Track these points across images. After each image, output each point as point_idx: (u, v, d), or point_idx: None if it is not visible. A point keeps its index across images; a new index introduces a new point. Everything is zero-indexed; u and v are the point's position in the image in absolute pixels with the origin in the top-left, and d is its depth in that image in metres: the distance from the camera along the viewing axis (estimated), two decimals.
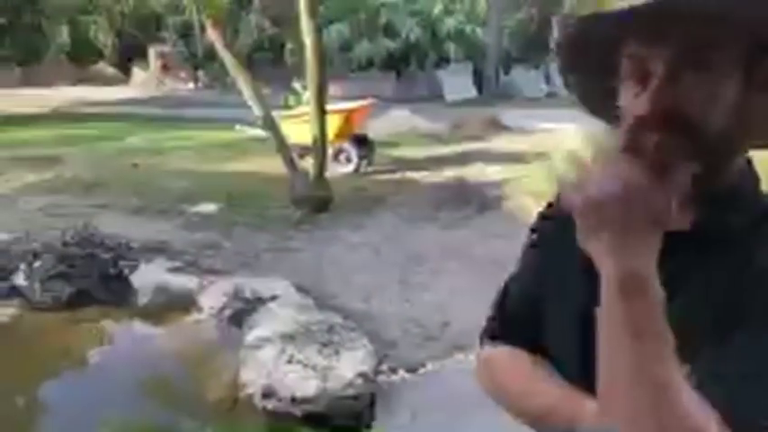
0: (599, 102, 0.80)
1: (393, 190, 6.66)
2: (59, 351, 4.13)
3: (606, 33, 0.71)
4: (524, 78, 19.09)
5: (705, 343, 0.70)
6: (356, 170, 7.48)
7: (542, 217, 0.95)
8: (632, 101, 0.70)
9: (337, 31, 18.30)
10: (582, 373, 0.74)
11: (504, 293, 0.95)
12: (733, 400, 0.66)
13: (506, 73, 20.14)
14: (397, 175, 7.55)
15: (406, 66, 19.45)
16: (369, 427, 3.06)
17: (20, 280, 4.44)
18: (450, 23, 18.78)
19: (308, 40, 5.37)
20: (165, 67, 22.16)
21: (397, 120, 11.85)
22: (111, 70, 22.50)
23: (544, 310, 0.86)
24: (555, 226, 0.88)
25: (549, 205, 0.95)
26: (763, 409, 0.66)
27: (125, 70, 22.40)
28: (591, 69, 0.78)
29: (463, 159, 8.53)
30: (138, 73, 22.34)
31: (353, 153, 7.45)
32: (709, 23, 0.64)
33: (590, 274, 0.80)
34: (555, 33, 0.77)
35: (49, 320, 4.27)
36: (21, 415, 3.55)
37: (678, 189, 0.64)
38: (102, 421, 3.35)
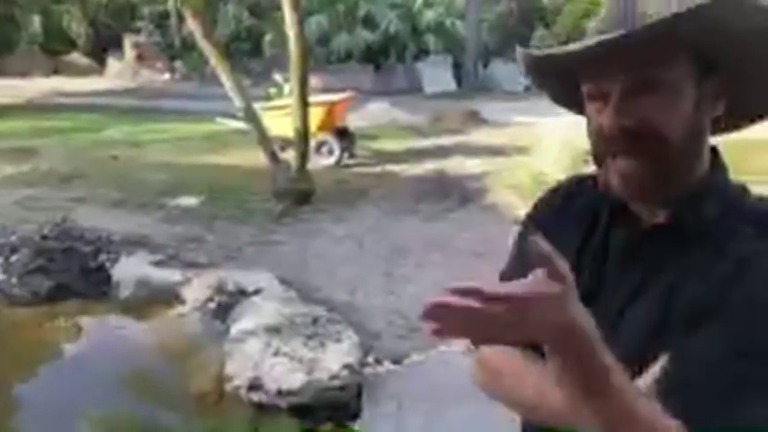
0: (569, 104, 0.91)
1: (374, 183, 6.70)
2: (38, 346, 4.09)
3: (560, 67, 0.80)
4: (503, 72, 19.17)
5: (679, 335, 0.75)
6: (338, 163, 7.48)
7: (529, 215, 1.00)
8: (596, 116, 0.78)
9: (317, 22, 18.18)
10: None
11: (504, 272, 0.98)
12: (694, 406, 0.70)
13: (485, 66, 20.23)
14: (378, 168, 7.58)
15: (386, 58, 19.43)
16: (355, 417, 3.10)
17: None
18: (429, 16, 18.78)
19: (290, 32, 5.35)
20: (141, 58, 21.75)
21: (377, 112, 11.85)
22: (85, 61, 21.99)
23: None
24: (540, 223, 0.93)
25: (535, 206, 1.00)
26: (722, 413, 0.70)
27: (100, 61, 21.95)
28: (555, 89, 0.89)
29: (443, 152, 8.59)
30: (112, 63, 21.89)
31: (335, 145, 7.45)
32: (651, 49, 0.72)
33: (586, 261, 0.86)
34: (519, 65, 0.86)
35: (27, 315, 4.21)
36: (1, 411, 3.51)
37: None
38: (82, 415, 3.33)
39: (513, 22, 21.34)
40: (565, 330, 0.64)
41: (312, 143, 7.20)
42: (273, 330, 3.50)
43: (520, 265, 0.93)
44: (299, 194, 5.85)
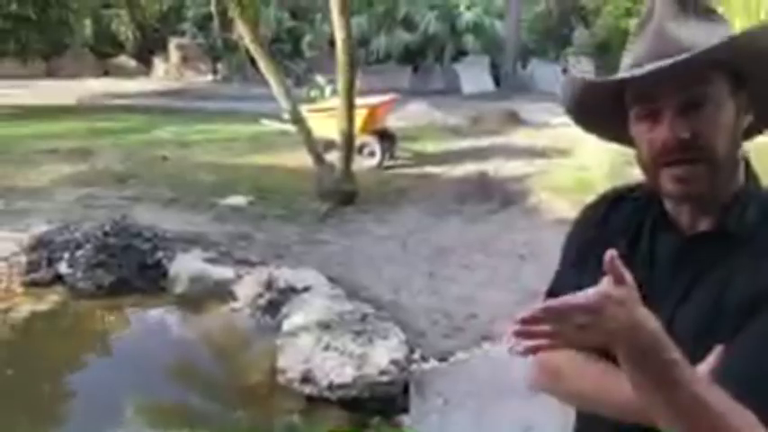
0: (604, 131, 1.02)
1: (416, 184, 6.79)
2: (100, 336, 4.33)
3: (608, 93, 0.91)
4: (542, 72, 19.01)
5: (732, 329, 0.82)
6: (379, 164, 7.61)
7: (575, 226, 1.08)
8: (647, 133, 0.88)
9: (356, 24, 18.33)
10: None
11: (555, 282, 1.06)
12: (755, 391, 0.77)
13: (524, 66, 20.10)
14: (420, 169, 7.67)
15: (424, 59, 19.48)
16: (405, 410, 3.20)
17: (63, 268, 4.63)
18: (468, 16, 18.76)
19: (338, 36, 5.49)
20: (185, 59, 22.36)
21: (416, 113, 11.93)
22: (132, 63, 22.75)
23: None
24: (586, 234, 1.03)
25: (579, 218, 1.08)
26: None
27: (146, 63, 22.67)
28: (596, 120, 0.99)
29: (483, 154, 8.62)
30: (158, 65, 22.58)
31: (377, 147, 7.57)
32: (697, 71, 0.83)
33: (634, 269, 0.95)
34: (565, 95, 0.97)
35: (90, 307, 4.46)
36: (63, 397, 3.75)
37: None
38: (138, 405, 3.53)
39: (552, 22, 21.11)
40: (636, 329, 0.73)
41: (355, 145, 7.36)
42: (324, 326, 3.63)
43: (573, 269, 1.02)
44: (344, 195, 5.99)
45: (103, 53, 22.20)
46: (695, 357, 0.82)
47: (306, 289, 4.25)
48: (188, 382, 3.88)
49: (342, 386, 3.27)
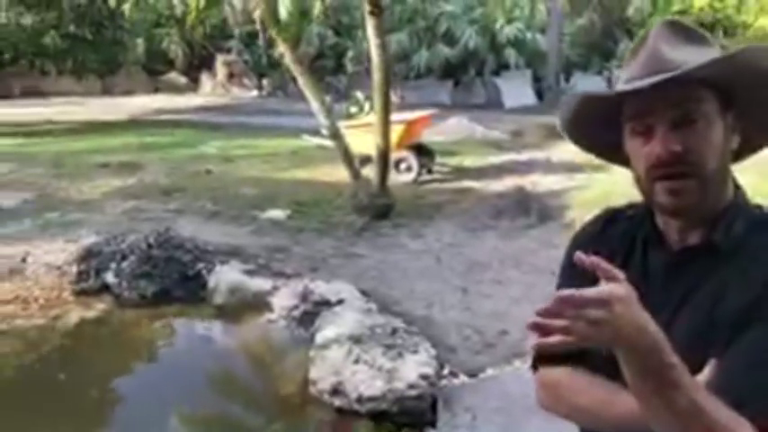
0: (598, 148, 1.06)
1: (452, 198, 6.81)
2: (143, 344, 4.50)
3: (605, 109, 0.95)
4: (585, 85, 18.74)
5: (725, 341, 0.85)
6: (416, 179, 7.66)
7: (576, 239, 1.11)
8: (641, 148, 0.92)
9: (397, 41, 18.56)
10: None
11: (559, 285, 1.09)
12: (750, 400, 0.80)
13: (567, 80, 19.88)
14: (457, 184, 7.68)
15: (465, 73, 19.50)
16: (432, 425, 3.21)
17: (110, 278, 4.85)
18: (508, 31, 18.72)
19: (374, 55, 5.60)
20: (231, 75, 23.05)
21: (456, 127, 11.95)
22: (181, 79, 23.61)
23: None
24: (586, 247, 1.03)
25: (575, 237, 1.11)
26: None
27: (194, 79, 23.47)
28: (592, 136, 1.03)
29: (523, 168, 8.58)
30: (206, 81, 23.35)
31: (414, 162, 7.63)
32: (690, 88, 0.87)
33: (628, 277, 0.97)
34: (564, 110, 1.01)
35: (134, 316, 4.65)
36: (107, 401, 3.90)
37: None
38: (179, 412, 3.65)
39: (595, 34, 20.84)
40: (640, 329, 0.75)
41: (391, 160, 7.44)
42: (355, 339, 3.68)
43: (570, 287, 1.06)
44: (379, 209, 6.06)
45: (155, 70, 23.13)
46: (691, 371, 0.83)
47: (339, 302, 4.31)
48: (225, 390, 4.00)
49: (371, 399, 3.30)
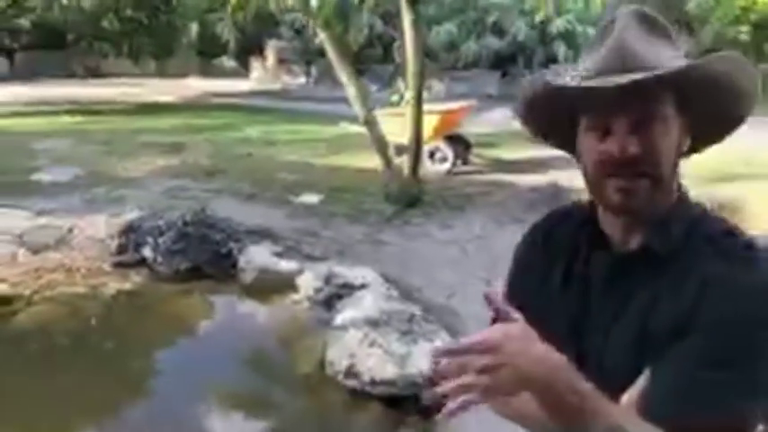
0: (550, 136, 1.03)
1: (485, 190, 6.79)
2: (175, 318, 4.71)
3: (563, 101, 0.92)
4: None
5: (658, 353, 0.84)
6: (450, 170, 7.65)
7: (523, 242, 1.10)
8: (596, 143, 0.90)
9: (446, 31, 18.44)
10: None
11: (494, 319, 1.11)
12: (678, 412, 0.81)
13: None
14: (491, 176, 7.64)
15: (513, 65, 19.22)
16: (440, 409, 3.26)
17: (147, 252, 5.08)
18: (559, 23, 18.31)
19: (408, 48, 5.63)
20: (281, 62, 23.41)
21: (499, 120, 11.83)
22: (232, 64, 24.15)
23: (534, 320, 0.97)
24: (533, 247, 1.06)
25: (521, 242, 1.10)
26: (712, 417, 0.79)
27: (245, 64, 23.94)
28: (546, 125, 1.01)
29: (560, 163, 8.40)
30: (256, 67, 23.80)
31: (449, 152, 7.62)
32: (652, 90, 0.86)
33: (572, 287, 0.97)
34: (522, 97, 0.98)
35: (167, 290, 4.86)
36: (139, 368, 4.11)
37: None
38: (204, 383, 3.82)
39: None
40: (542, 362, 0.74)
41: (426, 150, 7.45)
42: (372, 323, 3.77)
43: (515, 292, 1.06)
44: (410, 198, 6.11)
45: (207, 54, 23.69)
46: (626, 378, 0.86)
47: (362, 286, 4.40)
48: (247, 364, 4.15)
49: (383, 382, 3.38)
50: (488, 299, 0.78)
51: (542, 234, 1.06)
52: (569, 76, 0.94)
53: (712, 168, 6.73)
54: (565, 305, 0.96)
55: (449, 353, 0.73)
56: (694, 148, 0.96)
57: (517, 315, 0.78)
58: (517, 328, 0.76)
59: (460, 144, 7.83)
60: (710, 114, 0.93)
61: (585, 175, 0.93)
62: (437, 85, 17.48)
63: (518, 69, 19.31)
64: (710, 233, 0.89)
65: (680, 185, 0.93)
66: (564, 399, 0.74)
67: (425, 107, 6.80)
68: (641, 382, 0.85)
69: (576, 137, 0.95)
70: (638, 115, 0.86)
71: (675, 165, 0.90)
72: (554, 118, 0.97)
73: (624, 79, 0.83)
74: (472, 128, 8.89)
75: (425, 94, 10.59)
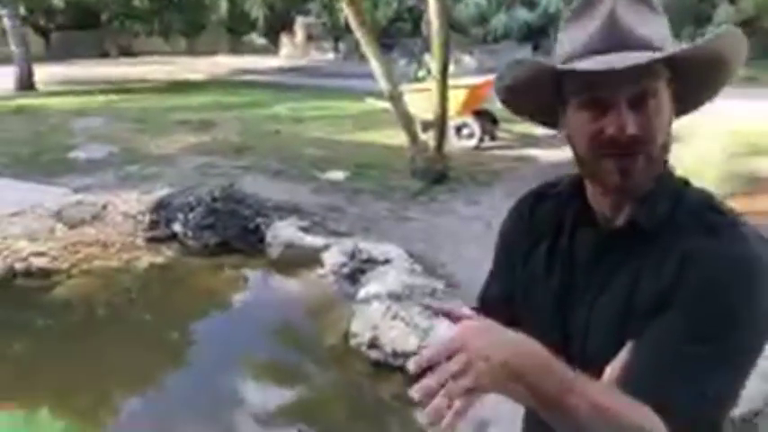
0: (535, 114, 1.02)
1: (512, 166, 6.74)
2: (206, 291, 4.86)
3: (552, 78, 0.90)
4: None
5: (640, 327, 0.85)
6: (478, 145, 7.60)
7: (506, 221, 1.11)
8: (590, 122, 0.87)
9: (475, 3, 18.11)
10: (561, 348, 0.84)
11: (485, 288, 1.11)
12: (657, 387, 0.81)
13: None
14: (519, 151, 7.56)
15: (544, 37, 18.81)
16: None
17: (177, 228, 5.23)
18: None
19: (435, 21, 5.57)
20: (310, 38, 23.36)
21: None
22: (262, 41, 24.21)
23: (520, 296, 1.01)
24: (519, 221, 1.06)
25: (507, 216, 1.10)
26: (692, 391, 0.80)
27: (274, 40, 23.98)
28: (529, 104, 0.99)
29: None
30: (285, 43, 23.81)
31: (476, 128, 7.55)
32: (649, 66, 0.83)
33: (557, 263, 0.98)
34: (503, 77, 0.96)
35: (197, 264, 5.01)
36: (171, 337, 4.28)
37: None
38: (232, 352, 3.96)
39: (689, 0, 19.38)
40: (512, 346, 0.73)
41: (453, 125, 7.40)
42: (395, 297, 3.83)
43: (500, 272, 1.07)
44: (435, 174, 6.11)
45: (236, 32, 23.78)
46: (610, 352, 0.86)
47: (386, 261, 4.46)
48: (274, 336, 4.28)
49: (404, 354, 3.44)
50: (434, 312, 0.80)
51: (528, 208, 1.05)
52: (557, 54, 0.92)
53: (752, 143, 6.54)
54: (549, 281, 0.97)
55: (420, 367, 0.71)
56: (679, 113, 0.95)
57: (469, 311, 0.79)
58: (474, 323, 0.76)
59: (488, 119, 7.74)
60: (696, 85, 0.92)
61: (577, 153, 0.91)
62: (467, 59, 17.24)
63: (549, 42, 18.88)
64: (694, 208, 0.89)
65: (665, 161, 0.91)
66: (542, 380, 0.73)
67: (452, 82, 6.74)
68: (623, 355, 0.85)
69: (557, 114, 0.94)
70: (634, 93, 0.84)
71: (667, 139, 0.88)
72: (540, 98, 0.94)
73: (628, 61, 0.81)
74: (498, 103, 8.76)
75: (454, 69, 10.47)
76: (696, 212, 0.88)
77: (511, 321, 0.94)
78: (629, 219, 0.90)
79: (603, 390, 0.80)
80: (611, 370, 0.85)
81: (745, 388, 0.84)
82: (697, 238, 0.85)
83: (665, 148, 0.89)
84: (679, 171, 0.95)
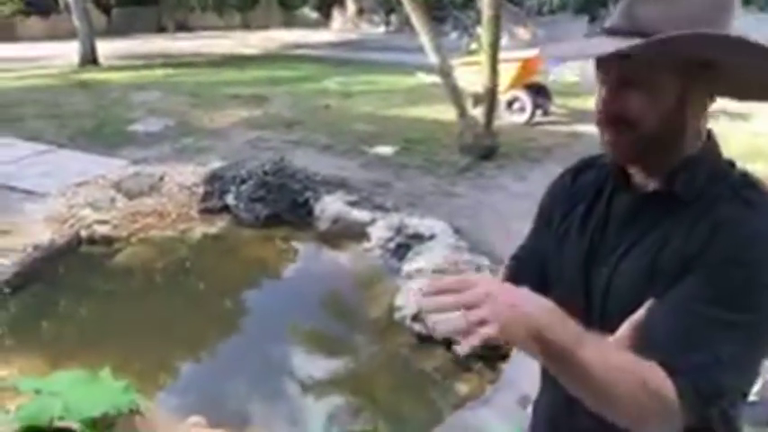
0: None
1: (563, 141, 6.59)
2: (257, 261, 5.02)
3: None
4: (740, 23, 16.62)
5: (663, 286, 0.87)
6: (529, 120, 7.45)
7: (550, 189, 1.15)
8: (598, 99, 0.95)
9: None
10: (583, 314, 0.90)
11: (521, 245, 1.17)
12: (671, 345, 0.82)
13: None
14: (572, 127, 7.37)
15: (602, 7, 18.07)
16: (504, 358, 3.34)
17: (230, 200, 5.39)
18: None
19: None
20: (361, 11, 23.24)
21: (584, 68, 11.27)
22: (314, 14, 24.24)
23: (552, 252, 1.07)
24: (554, 197, 1.12)
25: (553, 183, 1.15)
26: (705, 354, 0.81)
27: (326, 14, 23.97)
28: None
29: None
30: (336, 17, 23.77)
31: (527, 102, 7.40)
32: (647, 57, 0.87)
33: (590, 224, 1.03)
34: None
35: (249, 235, 5.17)
36: (223, 306, 4.45)
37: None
38: (283, 321, 4.10)
39: None
40: (525, 295, 0.78)
41: (504, 100, 7.28)
42: (439, 272, 3.86)
43: (537, 231, 1.13)
44: (484, 150, 6.04)
45: (289, 6, 23.86)
46: (632, 309, 0.89)
47: (431, 237, 4.49)
48: (322, 307, 4.40)
49: None
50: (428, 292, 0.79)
51: (572, 175, 1.12)
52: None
53: None
54: (581, 240, 1.02)
55: (435, 289, 0.76)
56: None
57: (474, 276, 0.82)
58: (485, 277, 0.82)
59: (540, 93, 7.57)
60: (738, 75, 0.90)
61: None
62: (521, 32, 16.79)
63: (607, 13, 18.14)
64: (733, 183, 0.91)
65: (710, 140, 0.95)
66: (557, 334, 0.76)
67: (503, 55, 6.61)
68: (640, 313, 0.88)
69: None
70: (624, 75, 0.89)
71: (676, 123, 0.91)
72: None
73: (599, 49, 0.88)
74: (556, 76, 8.54)
75: (508, 42, 10.23)
76: (735, 187, 0.90)
77: (539, 276, 1.04)
78: (663, 186, 0.94)
79: (614, 347, 0.83)
80: (626, 326, 0.88)
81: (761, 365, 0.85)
82: (732, 209, 0.87)
83: (672, 131, 0.92)
84: (732, 149, 0.96)
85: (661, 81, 0.90)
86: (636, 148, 0.93)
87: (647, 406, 0.78)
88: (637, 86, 0.90)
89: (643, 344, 0.84)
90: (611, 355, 0.80)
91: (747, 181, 0.92)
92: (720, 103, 0.99)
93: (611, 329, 0.86)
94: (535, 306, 0.77)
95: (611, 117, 0.92)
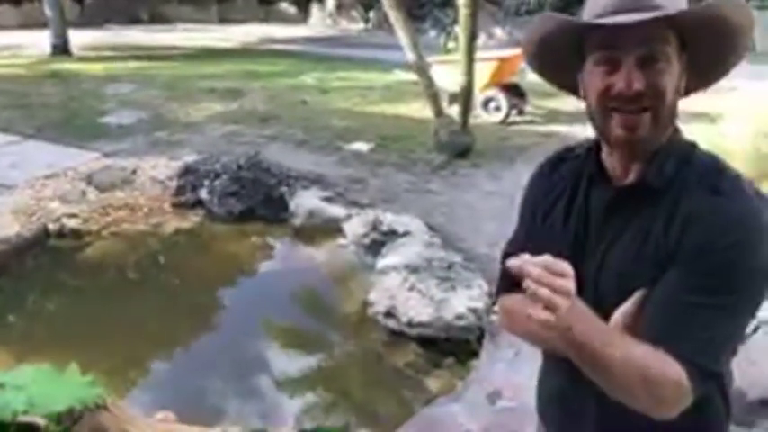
0: (555, 75, 1.09)
1: (538, 142, 6.65)
2: (230, 256, 4.98)
3: (576, 34, 0.97)
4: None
5: (647, 277, 0.93)
6: (504, 120, 7.51)
7: (530, 183, 1.19)
8: (603, 78, 0.95)
9: None
10: None
11: (511, 240, 1.20)
12: (660, 330, 0.90)
13: None
14: (546, 127, 7.46)
15: (579, 9, 18.30)
16: (476, 355, 3.38)
17: (204, 194, 5.34)
18: None
19: None
20: (340, 7, 23.12)
21: None
22: (292, 9, 24.04)
23: (538, 249, 1.07)
24: (534, 191, 1.15)
25: (532, 177, 1.19)
26: (701, 337, 0.89)
27: (304, 9, 23.79)
28: (550, 62, 1.05)
29: None
30: (315, 13, 23.62)
31: (503, 102, 7.46)
32: (658, 26, 0.91)
33: (572, 220, 1.06)
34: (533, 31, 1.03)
35: (222, 230, 5.13)
36: (198, 305, 4.41)
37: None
38: (254, 315, 4.08)
39: None
40: (581, 306, 0.87)
41: (480, 99, 7.33)
42: (412, 269, 3.89)
43: (524, 229, 1.16)
44: (459, 148, 6.08)
45: (268, 0, 23.63)
46: (618, 302, 0.95)
47: (405, 234, 4.51)
48: (295, 302, 4.39)
49: (420, 324, 3.52)
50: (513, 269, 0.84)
51: (549, 168, 1.14)
52: (584, 13, 1.00)
53: None
54: (565, 235, 1.05)
55: (521, 270, 0.82)
56: (687, 91, 1.01)
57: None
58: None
59: (516, 93, 7.63)
60: (707, 56, 0.97)
61: (590, 109, 1.00)
62: (498, 32, 16.91)
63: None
64: (700, 168, 0.95)
65: (675, 124, 0.99)
66: (591, 336, 0.86)
67: (480, 54, 6.65)
68: (629, 303, 0.94)
69: (576, 76, 1.02)
70: (644, 53, 0.92)
71: (676, 102, 0.96)
72: (560, 55, 1.02)
73: (637, 17, 0.89)
74: (531, 77, 8.60)
75: (485, 41, 10.28)
76: (702, 173, 0.94)
77: None
78: (639, 177, 0.97)
79: (637, 344, 0.89)
80: (617, 315, 0.94)
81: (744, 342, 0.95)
82: (701, 198, 0.92)
83: (673, 112, 0.96)
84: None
85: (671, 54, 0.93)
86: (653, 127, 0.94)
87: (664, 394, 0.87)
88: (659, 62, 0.92)
89: (645, 340, 0.90)
90: (635, 351, 0.88)
91: (711, 164, 0.96)
92: (688, 102, 1.03)
93: (603, 320, 0.92)
94: (580, 310, 0.86)
95: (634, 95, 0.92)
